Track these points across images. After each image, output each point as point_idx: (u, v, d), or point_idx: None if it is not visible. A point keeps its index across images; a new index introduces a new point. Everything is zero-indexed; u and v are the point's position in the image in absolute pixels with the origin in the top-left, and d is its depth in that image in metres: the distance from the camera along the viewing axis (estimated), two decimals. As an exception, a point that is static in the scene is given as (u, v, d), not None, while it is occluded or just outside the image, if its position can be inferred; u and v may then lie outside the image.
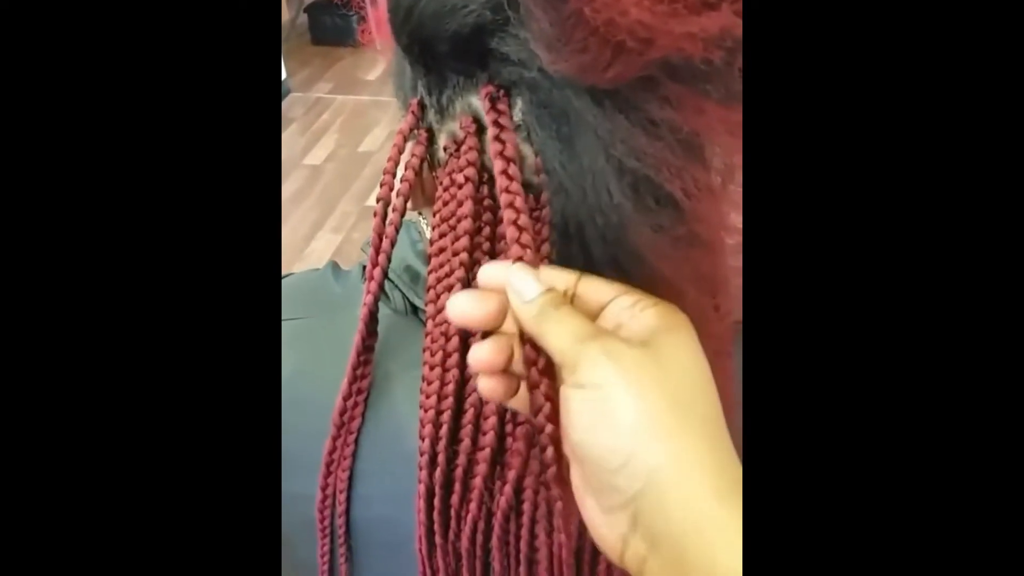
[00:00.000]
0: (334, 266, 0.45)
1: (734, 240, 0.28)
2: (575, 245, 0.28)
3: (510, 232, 0.28)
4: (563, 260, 0.29)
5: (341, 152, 2.88)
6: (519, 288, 0.27)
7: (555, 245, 0.29)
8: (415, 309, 0.39)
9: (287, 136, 3.01)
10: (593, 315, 0.28)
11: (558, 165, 0.27)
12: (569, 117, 0.26)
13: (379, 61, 3.53)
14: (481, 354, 0.29)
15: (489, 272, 0.29)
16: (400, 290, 0.40)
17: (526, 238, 0.28)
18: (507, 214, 0.28)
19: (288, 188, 2.66)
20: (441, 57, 0.29)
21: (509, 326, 0.29)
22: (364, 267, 0.43)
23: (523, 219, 0.28)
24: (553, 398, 0.28)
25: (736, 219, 0.28)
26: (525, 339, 0.28)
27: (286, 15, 3.81)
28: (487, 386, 0.29)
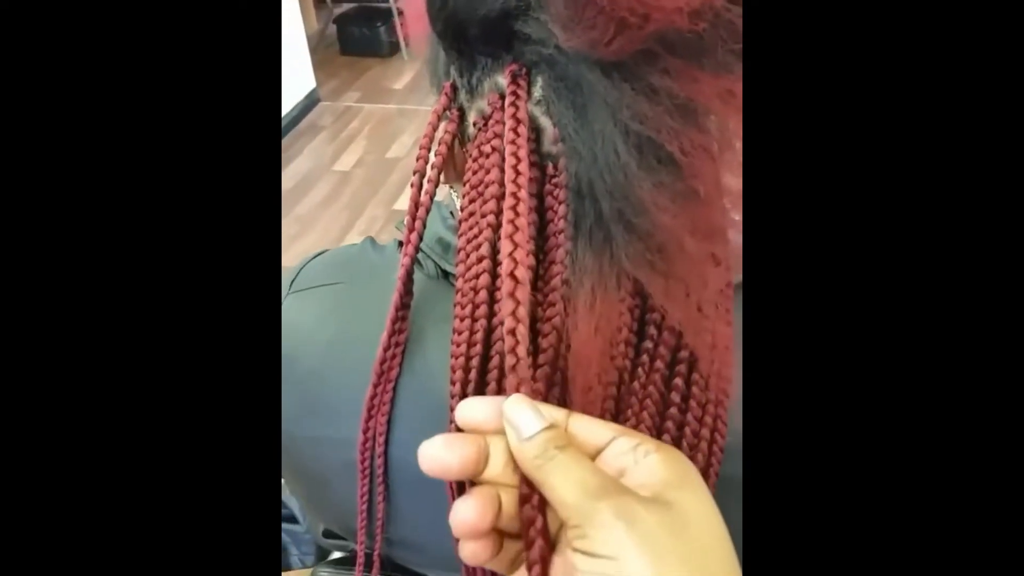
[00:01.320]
0: (372, 241, 0.50)
1: (731, 199, 0.31)
2: (587, 202, 0.32)
3: (508, 188, 0.31)
4: (576, 218, 0.33)
5: (369, 158, 2.96)
6: (517, 423, 0.26)
7: (569, 205, 0.33)
8: (446, 274, 0.44)
9: (317, 143, 3.09)
10: (590, 457, 0.27)
11: (572, 131, 0.31)
12: (582, 88, 0.30)
13: (406, 71, 3.61)
14: (464, 514, 0.26)
15: (470, 407, 0.28)
16: (432, 259, 0.45)
17: (523, 195, 0.31)
18: (508, 173, 0.32)
19: (318, 193, 2.74)
20: (472, 41, 0.33)
21: (493, 472, 0.27)
22: (399, 242, 0.47)
23: (522, 178, 0.31)
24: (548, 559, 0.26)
25: (733, 181, 0.31)
26: (523, 494, 0.26)
27: (315, 26, 3.91)
28: (469, 552, 0.27)
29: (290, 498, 0.66)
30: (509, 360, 0.29)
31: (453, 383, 0.37)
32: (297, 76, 3.26)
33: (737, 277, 0.35)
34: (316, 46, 3.63)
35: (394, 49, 3.76)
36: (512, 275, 0.30)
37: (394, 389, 0.40)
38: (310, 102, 3.34)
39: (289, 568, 0.63)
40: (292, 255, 2.36)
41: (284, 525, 0.64)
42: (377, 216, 2.58)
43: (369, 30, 3.74)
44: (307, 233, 2.51)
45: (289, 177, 2.83)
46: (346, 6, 3.88)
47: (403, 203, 2.64)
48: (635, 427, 0.35)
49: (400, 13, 3.66)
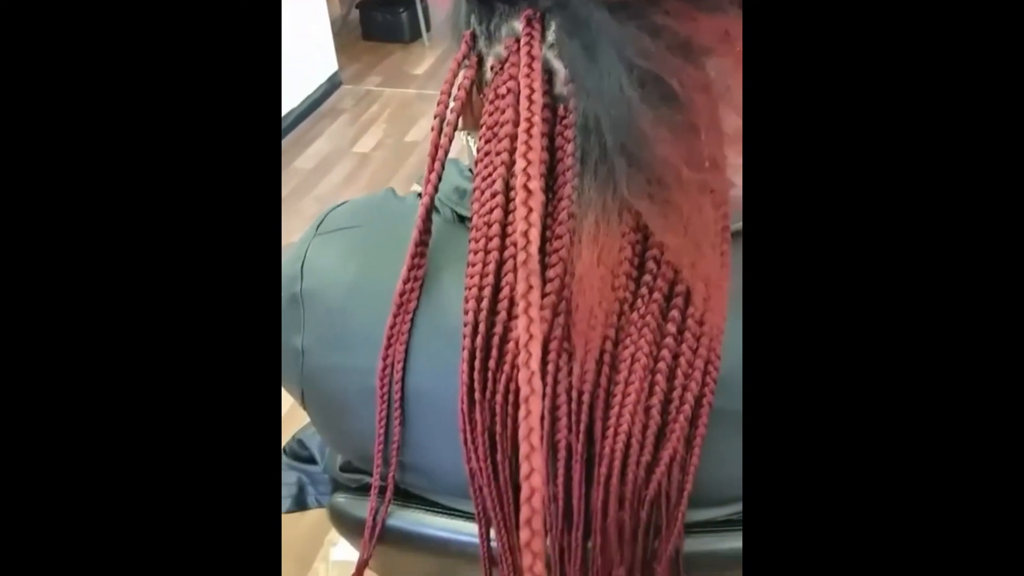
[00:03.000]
0: (392, 191, 0.53)
1: (728, 135, 0.34)
2: (593, 137, 0.34)
3: (522, 126, 0.34)
4: (583, 153, 0.35)
5: (388, 141, 2.99)
6: None
7: (576, 140, 0.35)
8: (461, 219, 0.46)
9: (338, 126, 3.13)
10: None
11: (581, 69, 0.34)
12: (591, 27, 0.33)
13: (426, 57, 3.64)
14: None
15: None
16: (448, 206, 0.47)
17: (536, 131, 0.34)
18: (522, 112, 0.34)
19: (339, 174, 2.78)
20: None
21: None
22: (418, 194, 0.50)
23: (535, 116, 0.34)
24: None
25: (730, 117, 0.34)
26: None
27: (338, 11, 3.94)
28: None
29: (311, 437, 0.69)
30: (521, 275, 0.32)
31: (466, 312, 0.40)
32: (320, 59, 3.29)
33: (736, 225, 0.38)
34: (339, 30, 3.66)
35: (415, 35, 3.78)
36: (525, 187, 0.33)
37: (412, 320, 0.43)
38: (332, 85, 3.38)
39: (306, 507, 0.67)
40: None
41: (303, 465, 0.67)
42: (395, 198, 2.62)
43: (391, 16, 3.76)
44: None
45: (310, 158, 2.87)
46: (369, -8, 3.91)
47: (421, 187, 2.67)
48: (633, 354, 0.37)
49: (423, 1, 3.68)
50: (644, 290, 0.37)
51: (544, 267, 0.38)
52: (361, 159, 2.88)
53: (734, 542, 0.44)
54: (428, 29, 3.76)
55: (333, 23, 3.48)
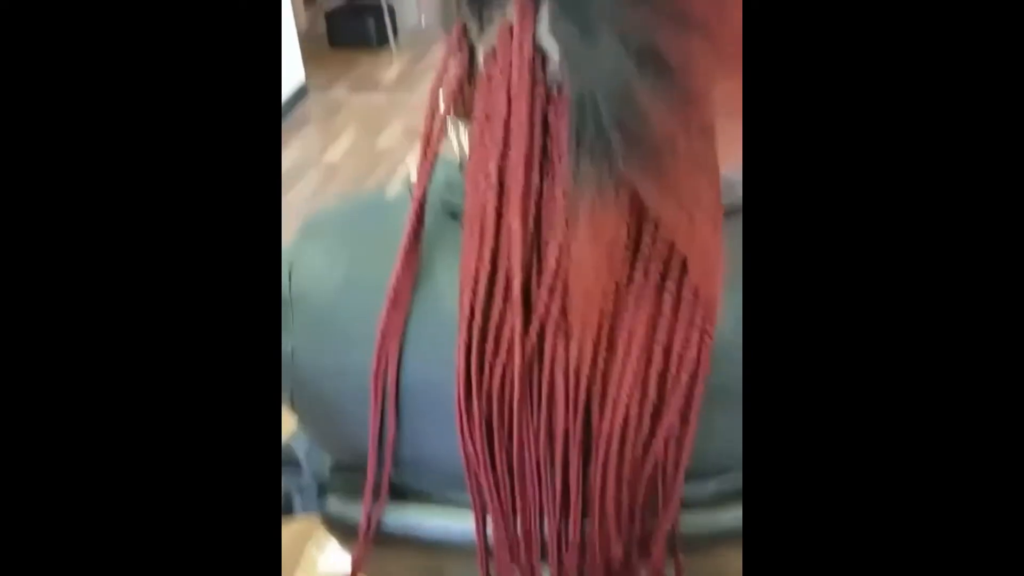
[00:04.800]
0: (381, 191, 0.52)
1: (724, 105, 0.34)
2: (588, 114, 0.34)
3: (515, 111, 0.35)
4: (578, 130, 0.35)
5: (358, 149, 2.97)
6: None
7: (571, 118, 0.35)
8: (452, 212, 0.46)
9: (306, 135, 3.11)
10: None
11: (577, 47, 0.34)
12: (588, 2, 0.33)
13: (395, 63, 3.63)
14: None
15: None
16: (441, 200, 0.47)
17: (527, 117, 0.35)
18: (514, 97, 0.35)
19: (307, 185, 2.75)
20: None
21: None
22: (409, 188, 0.50)
23: (528, 101, 0.35)
24: None
25: (726, 85, 0.34)
26: None
27: (304, 21, 3.92)
28: None
29: (297, 443, 0.68)
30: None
31: (462, 301, 0.39)
32: (287, 69, 3.27)
33: (736, 201, 0.38)
34: (305, 38, 3.64)
35: (383, 41, 3.77)
36: (519, 187, 0.34)
37: (406, 314, 0.43)
38: (300, 94, 3.35)
39: (292, 513, 0.65)
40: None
41: (289, 472, 0.66)
42: (367, 206, 2.60)
43: (358, 23, 3.76)
44: (296, 224, 2.52)
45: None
46: (336, 3, 3.89)
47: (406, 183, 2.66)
48: (630, 331, 0.37)
49: (391, 8, 3.67)
50: (640, 266, 0.37)
51: (539, 249, 0.38)
52: (330, 169, 2.86)
53: (728, 517, 0.44)
54: (395, 35, 3.76)
55: (300, 32, 3.46)
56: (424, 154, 0.41)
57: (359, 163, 2.88)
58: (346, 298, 0.45)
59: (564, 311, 0.37)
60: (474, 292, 0.39)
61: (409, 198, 0.49)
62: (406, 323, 0.43)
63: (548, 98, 0.37)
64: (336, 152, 2.97)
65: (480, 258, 0.38)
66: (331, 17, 3.84)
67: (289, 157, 2.94)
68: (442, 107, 0.40)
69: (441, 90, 0.40)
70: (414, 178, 0.49)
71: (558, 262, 0.37)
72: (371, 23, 3.73)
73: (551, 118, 0.37)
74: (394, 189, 0.53)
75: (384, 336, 0.43)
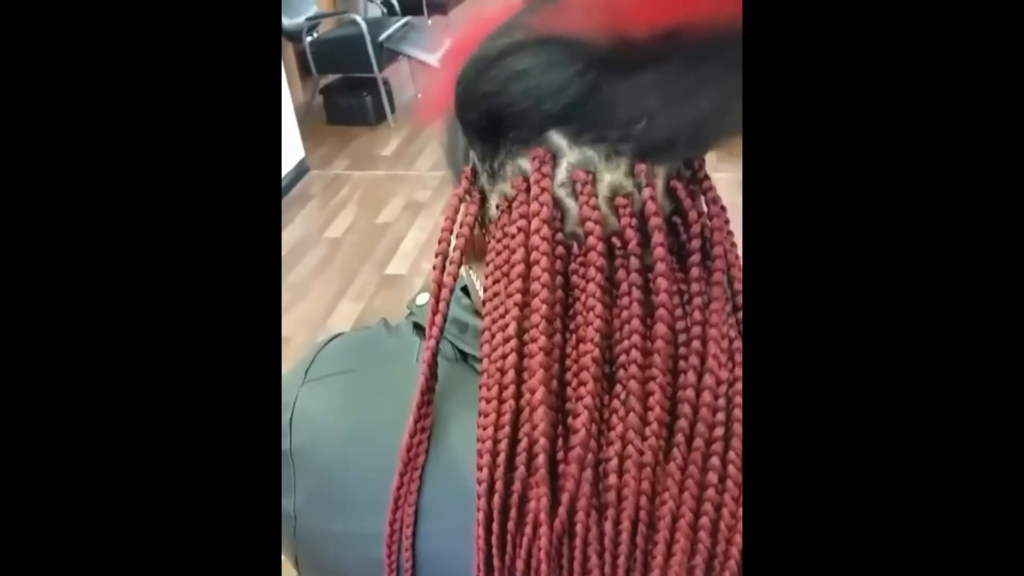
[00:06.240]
0: (385, 323, 0.49)
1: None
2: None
3: (534, 271, 0.33)
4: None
5: (360, 225, 2.98)
6: None
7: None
8: (464, 356, 0.43)
9: (307, 212, 3.11)
10: None
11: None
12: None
13: (393, 138, 3.68)
14: None
15: None
16: (449, 340, 0.44)
17: (548, 278, 0.33)
18: (534, 255, 0.33)
19: (310, 261, 2.74)
20: (504, 130, 0.34)
21: None
22: (413, 323, 0.47)
23: (548, 259, 0.33)
24: None
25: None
26: None
27: (302, 98, 3.99)
28: None
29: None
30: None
31: (480, 468, 0.36)
32: (286, 146, 3.30)
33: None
34: (304, 116, 3.69)
35: (380, 117, 3.83)
36: (541, 348, 0.32)
37: (420, 478, 0.39)
38: (300, 171, 3.38)
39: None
40: (286, 323, 2.34)
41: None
42: (369, 282, 2.58)
43: (355, 99, 3.81)
44: (300, 301, 2.50)
45: (282, 245, 2.84)
46: (332, 77, 3.96)
47: (395, 268, 2.65)
48: (673, 511, 0.33)
49: (386, 83, 3.73)
50: (680, 436, 0.34)
51: (566, 415, 0.34)
52: (332, 244, 2.85)
53: None
54: (392, 111, 3.81)
55: (297, 109, 3.51)
56: (435, 302, 0.38)
57: (361, 238, 2.87)
58: (353, 454, 0.42)
59: (596, 485, 0.34)
60: (493, 459, 0.35)
61: (414, 332, 0.46)
62: (421, 488, 0.39)
63: (568, 251, 0.34)
64: (338, 228, 2.98)
65: (499, 423, 0.35)
66: (327, 93, 3.90)
67: (291, 234, 2.94)
68: (453, 253, 0.37)
69: (452, 237, 0.38)
70: (420, 301, 0.46)
71: (587, 431, 0.33)
72: (368, 100, 3.79)
73: (572, 273, 0.34)
74: (399, 318, 0.50)
75: (397, 502, 0.39)
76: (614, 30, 0.30)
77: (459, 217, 0.37)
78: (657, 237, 0.32)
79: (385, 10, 4.39)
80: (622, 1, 0.31)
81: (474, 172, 0.37)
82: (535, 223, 0.33)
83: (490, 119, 0.34)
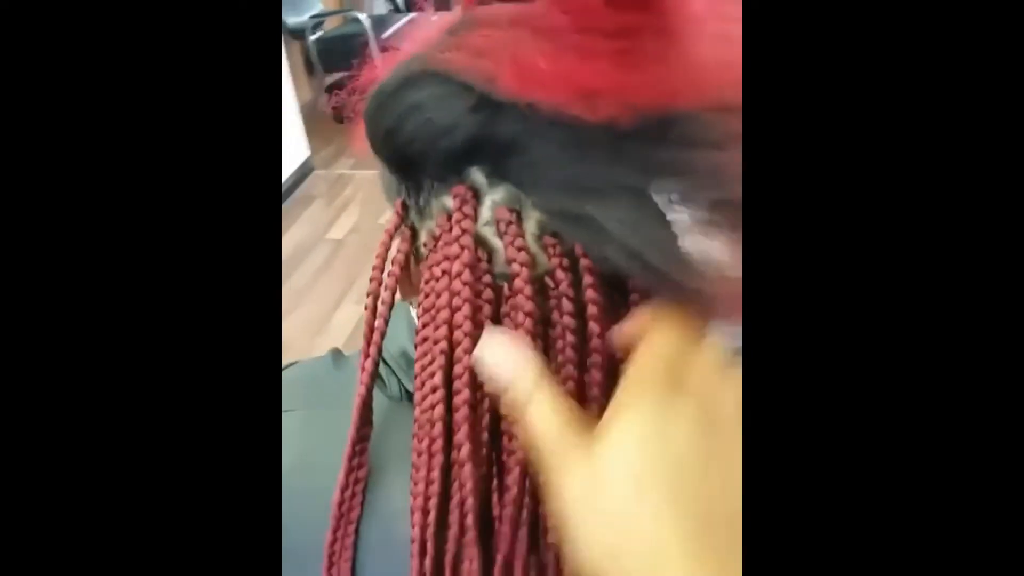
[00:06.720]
0: (335, 354, 0.46)
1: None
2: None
3: (457, 317, 0.31)
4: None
5: (363, 225, 2.96)
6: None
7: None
8: (410, 395, 0.40)
9: (311, 211, 3.10)
10: None
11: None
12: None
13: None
14: None
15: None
16: (396, 376, 0.41)
17: (470, 326, 0.30)
18: (455, 300, 0.31)
19: (313, 261, 2.73)
20: (419, 168, 0.31)
21: None
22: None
23: (465, 310, 0.30)
24: None
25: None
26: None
27: (307, 95, 3.97)
28: None
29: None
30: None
31: (413, 525, 0.33)
32: (290, 145, 3.29)
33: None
34: (309, 114, 3.68)
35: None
36: (465, 401, 0.30)
37: (356, 531, 0.37)
38: (304, 171, 3.37)
39: None
40: (289, 326, 2.33)
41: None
42: (372, 283, 2.57)
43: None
44: (303, 304, 2.49)
45: (285, 247, 2.82)
46: (336, 76, 3.94)
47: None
48: None
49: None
50: None
51: (501, 470, 0.32)
52: (335, 245, 2.84)
53: None
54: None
55: (302, 108, 3.49)
56: (366, 346, 0.35)
57: (365, 239, 2.86)
58: (289, 505, 0.39)
59: (533, 545, 0.31)
60: (424, 517, 0.33)
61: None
62: (357, 542, 0.37)
63: (498, 294, 0.31)
64: (342, 228, 2.96)
65: (429, 478, 0.32)
66: (333, 91, 3.88)
67: (295, 235, 2.93)
68: (384, 293, 0.35)
69: (384, 275, 0.35)
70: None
71: (520, 487, 0.31)
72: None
73: (504, 316, 0.31)
74: (351, 350, 0.48)
75: (331, 559, 0.37)
76: (492, 82, 0.28)
77: (389, 254, 0.35)
78: (588, 278, 0.29)
79: (392, 6, 4.36)
80: (505, 56, 0.28)
81: (404, 206, 0.34)
82: (456, 266, 0.30)
83: (400, 156, 0.31)
